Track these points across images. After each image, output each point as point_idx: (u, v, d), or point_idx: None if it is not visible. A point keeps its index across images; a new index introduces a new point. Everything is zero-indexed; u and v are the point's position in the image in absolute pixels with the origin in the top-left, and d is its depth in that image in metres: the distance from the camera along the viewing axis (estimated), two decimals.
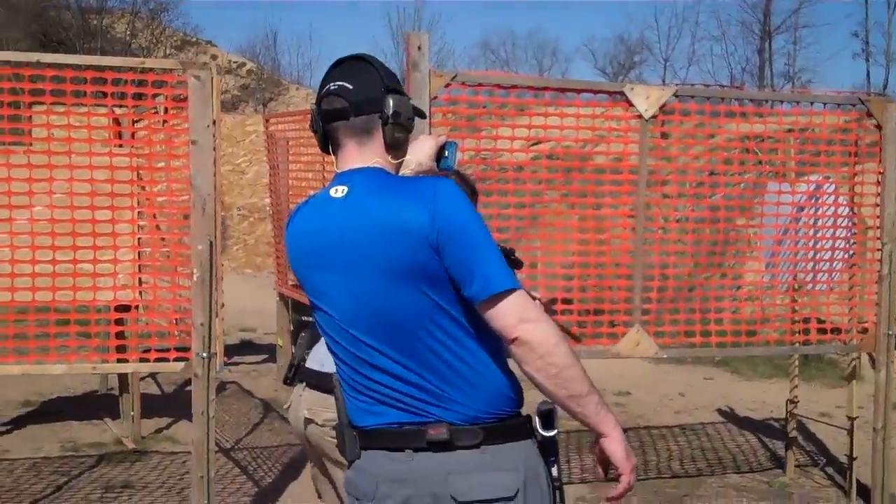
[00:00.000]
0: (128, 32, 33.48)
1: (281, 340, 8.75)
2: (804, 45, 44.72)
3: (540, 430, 2.31)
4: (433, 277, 2.18)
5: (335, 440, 3.16)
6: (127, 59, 4.63)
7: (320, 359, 3.40)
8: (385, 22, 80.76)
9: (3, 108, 4.54)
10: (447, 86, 4.93)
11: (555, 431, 2.31)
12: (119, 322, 5.15)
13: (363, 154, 2.35)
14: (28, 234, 4.66)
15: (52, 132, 4.83)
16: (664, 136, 5.84)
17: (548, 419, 2.31)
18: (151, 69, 4.74)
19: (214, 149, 4.64)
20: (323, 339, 3.39)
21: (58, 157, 4.66)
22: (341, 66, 2.39)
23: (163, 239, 5.06)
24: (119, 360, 5.13)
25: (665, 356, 5.46)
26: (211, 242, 4.65)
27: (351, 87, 2.32)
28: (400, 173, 2.51)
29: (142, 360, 4.85)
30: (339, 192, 2.31)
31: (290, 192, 8.72)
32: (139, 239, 4.92)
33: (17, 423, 7.51)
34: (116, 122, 5.15)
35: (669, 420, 8.15)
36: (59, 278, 4.72)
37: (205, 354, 4.67)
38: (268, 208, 8.95)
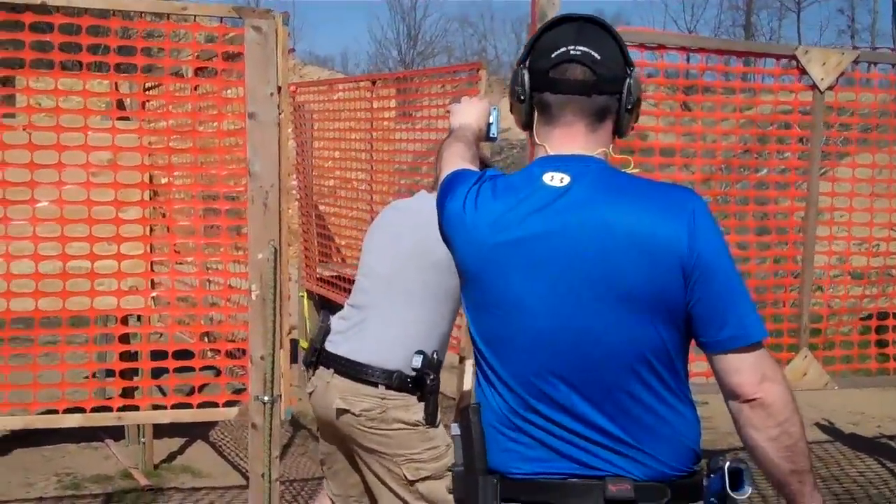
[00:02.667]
0: None
1: (307, 343, 7.59)
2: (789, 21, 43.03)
3: (730, 492, 1.91)
4: (670, 311, 1.85)
5: (371, 430, 3.25)
6: (161, 3, 3.43)
7: (346, 343, 3.30)
8: None
9: None
10: None
11: (749, 492, 1.93)
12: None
13: (590, 140, 1.97)
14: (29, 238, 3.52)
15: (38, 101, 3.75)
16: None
17: (738, 478, 1.92)
18: (193, 16, 3.54)
19: (279, 125, 3.48)
20: (339, 322, 3.34)
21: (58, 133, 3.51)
22: (577, 27, 1.95)
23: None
24: (155, 406, 3.95)
25: (836, 388, 4.37)
26: (275, 249, 3.50)
27: (599, 57, 1.92)
28: (450, 144, 2.31)
29: (178, 405, 3.71)
30: (556, 179, 1.91)
31: (315, 173, 7.62)
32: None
33: (2, 447, 6.29)
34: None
35: None
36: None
37: (266, 398, 3.53)
38: (294, 192, 7.78)
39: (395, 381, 3.23)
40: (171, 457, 6.19)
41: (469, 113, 2.43)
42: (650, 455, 1.89)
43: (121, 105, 5.10)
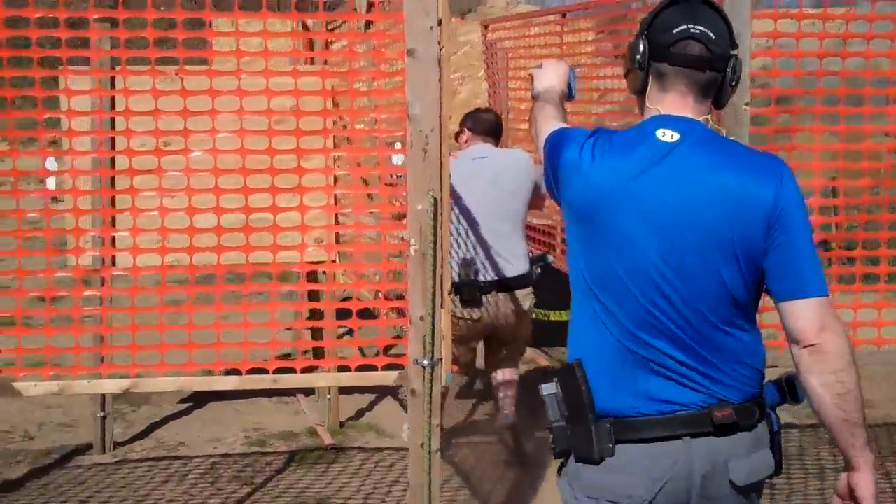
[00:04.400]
0: None
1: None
2: None
3: (789, 400, 2.25)
4: (752, 257, 2.12)
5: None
6: None
7: (494, 269, 4.71)
8: None
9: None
10: None
11: (804, 401, 2.21)
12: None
13: (695, 110, 2.22)
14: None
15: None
16: None
17: (793, 388, 2.24)
18: None
19: (440, 62, 3.16)
20: (477, 257, 4.71)
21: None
22: (691, 8, 2.19)
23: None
24: (304, 370, 3.72)
25: None
26: (435, 200, 3.20)
27: (713, 36, 2.18)
28: (542, 107, 2.53)
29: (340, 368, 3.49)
30: (667, 135, 2.17)
31: (510, 115, 7.23)
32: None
33: (198, 400, 6.33)
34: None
35: None
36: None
37: (426, 362, 3.25)
38: None
39: (533, 280, 4.80)
40: (359, 413, 6.05)
41: (552, 76, 2.65)
42: (741, 380, 2.16)
43: (307, 46, 4.88)
